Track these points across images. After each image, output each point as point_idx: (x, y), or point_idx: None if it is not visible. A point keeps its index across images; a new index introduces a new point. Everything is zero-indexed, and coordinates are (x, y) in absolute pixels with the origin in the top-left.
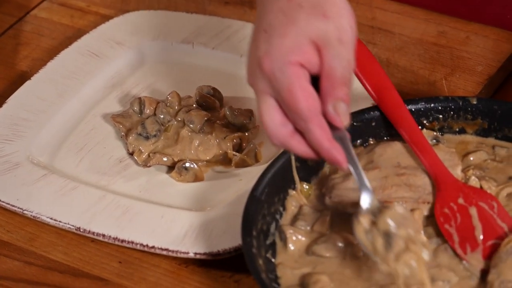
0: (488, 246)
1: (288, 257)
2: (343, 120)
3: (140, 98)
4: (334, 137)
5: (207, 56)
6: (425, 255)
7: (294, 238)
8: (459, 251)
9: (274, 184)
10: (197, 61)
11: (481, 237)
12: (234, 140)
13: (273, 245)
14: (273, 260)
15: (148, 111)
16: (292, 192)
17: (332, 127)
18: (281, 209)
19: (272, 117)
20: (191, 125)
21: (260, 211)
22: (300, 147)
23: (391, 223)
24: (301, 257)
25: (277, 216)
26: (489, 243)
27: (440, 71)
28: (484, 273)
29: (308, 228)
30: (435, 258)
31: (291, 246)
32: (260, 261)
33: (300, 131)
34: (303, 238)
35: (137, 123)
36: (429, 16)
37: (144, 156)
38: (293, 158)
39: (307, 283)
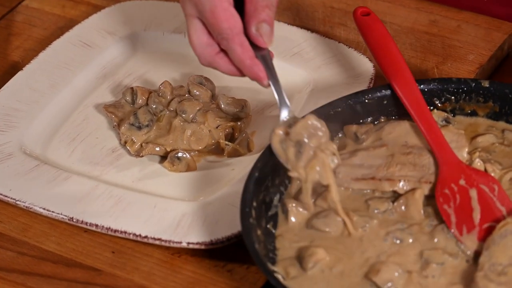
0: (484, 229)
1: (288, 230)
2: (266, 40)
3: (132, 88)
4: (257, 56)
5: None
6: (332, 162)
7: (295, 211)
8: (455, 232)
9: None
10: (189, 50)
11: (479, 219)
12: (227, 130)
13: (275, 216)
14: (273, 231)
15: (140, 101)
16: None
17: (257, 47)
18: (286, 181)
19: (199, 38)
20: (184, 115)
21: (264, 182)
22: (225, 66)
23: (303, 133)
24: (301, 230)
25: (282, 188)
26: (485, 225)
27: (432, 60)
28: (478, 255)
29: (311, 202)
30: (431, 238)
31: (292, 219)
32: (259, 232)
33: (225, 52)
34: (305, 212)
35: (130, 113)
36: (420, 5)
37: (136, 146)
38: None
39: (303, 256)
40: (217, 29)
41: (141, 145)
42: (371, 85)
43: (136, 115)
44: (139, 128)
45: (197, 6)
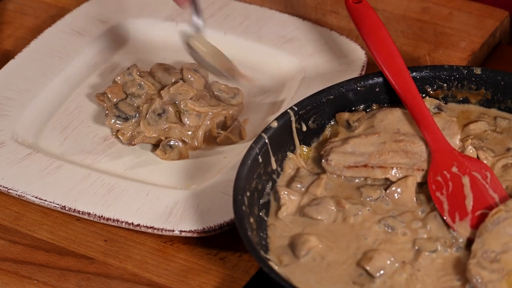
0: (477, 216)
1: (280, 217)
2: None
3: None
4: None
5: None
6: None
7: (287, 199)
8: (447, 219)
9: (273, 144)
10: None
11: (471, 206)
12: (219, 118)
13: (267, 204)
14: (266, 219)
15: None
16: (290, 155)
17: None
18: (278, 169)
19: None
20: (176, 102)
21: (256, 170)
22: None
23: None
24: (293, 217)
25: (274, 176)
26: (478, 212)
27: (424, 47)
28: (471, 242)
29: (303, 190)
30: (424, 226)
31: (285, 207)
32: (252, 219)
33: None
34: (297, 200)
35: (110, 107)
36: None
37: (128, 135)
38: (293, 119)
39: (295, 243)
40: None
41: (132, 133)
42: (363, 72)
43: (118, 108)
44: (126, 119)
45: None
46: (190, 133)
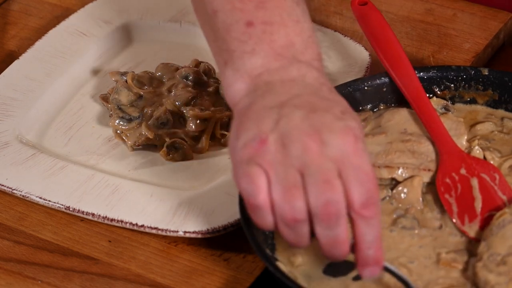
0: (486, 218)
1: None
2: None
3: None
4: None
5: (195, 34)
6: None
7: None
8: (457, 221)
9: None
10: (185, 39)
11: (480, 208)
12: (223, 119)
13: None
14: None
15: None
16: None
17: None
18: None
19: None
20: (177, 103)
21: None
22: None
23: None
24: None
25: None
26: (487, 214)
27: (427, 48)
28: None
29: None
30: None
31: None
32: None
33: None
34: None
35: (114, 109)
36: None
37: (132, 136)
38: None
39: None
40: None
41: (136, 135)
42: (367, 74)
43: (121, 109)
44: (130, 120)
45: None
46: (195, 137)
